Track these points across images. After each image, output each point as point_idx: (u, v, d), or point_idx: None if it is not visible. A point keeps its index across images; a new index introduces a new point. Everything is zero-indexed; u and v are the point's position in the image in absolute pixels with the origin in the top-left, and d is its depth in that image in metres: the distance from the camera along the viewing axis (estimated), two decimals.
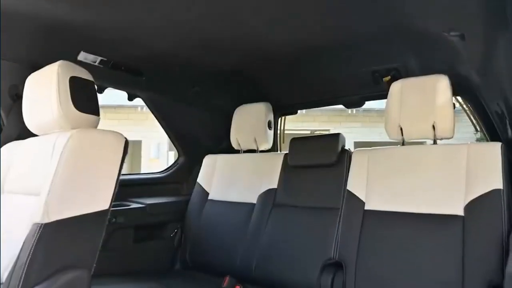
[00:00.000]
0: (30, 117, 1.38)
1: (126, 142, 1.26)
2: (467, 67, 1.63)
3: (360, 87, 2.06)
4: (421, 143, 1.76)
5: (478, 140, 5.01)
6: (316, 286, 1.58)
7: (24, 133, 1.47)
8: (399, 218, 1.51)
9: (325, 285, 1.57)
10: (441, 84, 1.53)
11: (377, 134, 8.94)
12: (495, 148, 1.43)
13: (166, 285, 1.83)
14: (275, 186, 1.97)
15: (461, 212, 1.40)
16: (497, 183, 1.38)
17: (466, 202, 1.40)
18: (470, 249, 1.33)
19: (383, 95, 1.77)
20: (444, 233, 1.40)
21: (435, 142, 1.59)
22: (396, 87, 1.63)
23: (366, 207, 1.61)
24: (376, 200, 1.60)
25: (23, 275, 1.03)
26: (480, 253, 1.31)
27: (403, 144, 1.67)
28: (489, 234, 1.32)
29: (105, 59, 1.70)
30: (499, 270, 1.25)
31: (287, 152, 2.01)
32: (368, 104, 2.25)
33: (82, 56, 1.63)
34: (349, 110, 9.70)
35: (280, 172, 1.99)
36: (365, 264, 1.50)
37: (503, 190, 1.36)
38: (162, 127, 2.43)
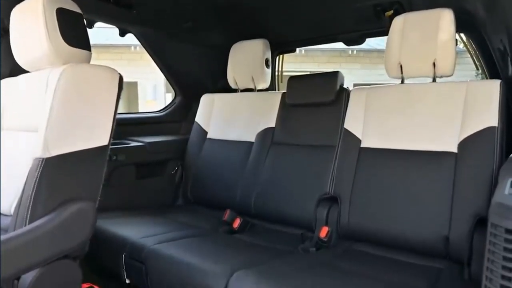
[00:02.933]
0: (20, 53, 1.34)
1: (121, 78, 1.24)
2: (473, 1, 1.56)
3: (361, 22, 1.99)
4: None
5: None
6: (312, 219, 1.66)
7: (16, 70, 1.43)
8: (393, 155, 1.54)
9: (321, 218, 1.64)
10: (445, 18, 1.48)
11: (377, 75, 8.81)
12: (494, 85, 1.42)
13: (169, 218, 1.92)
14: (273, 125, 1.98)
15: (454, 149, 1.42)
16: (493, 120, 1.38)
17: (461, 139, 1.42)
18: (460, 185, 1.37)
19: (385, 32, 1.71)
20: (437, 169, 1.43)
21: (434, 80, 1.57)
22: (398, 22, 1.57)
23: (362, 145, 1.63)
24: (372, 138, 1.62)
25: (30, 207, 1.07)
26: (470, 188, 1.35)
27: (402, 82, 1.65)
28: (480, 170, 1.35)
29: None
30: (486, 203, 1.30)
31: (285, 91, 1.99)
32: (369, 44, 2.19)
33: None
34: (349, 51, 9.46)
35: (278, 111, 1.99)
36: (359, 199, 1.56)
37: (497, 127, 1.37)
38: (157, 65, 2.38)
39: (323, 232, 1.57)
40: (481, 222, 1.28)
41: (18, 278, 1.05)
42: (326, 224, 1.62)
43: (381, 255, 1.46)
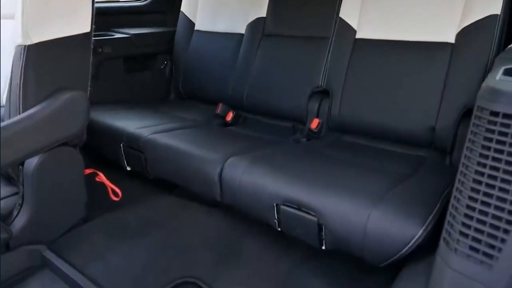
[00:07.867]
0: None
1: None
2: None
3: None
4: None
5: None
6: (303, 112, 1.69)
7: None
8: (389, 46, 1.50)
9: (312, 110, 1.67)
10: None
11: None
12: None
13: (162, 111, 1.94)
14: (264, 15, 1.87)
15: (452, 40, 1.39)
16: (496, 8, 1.32)
17: (460, 29, 1.37)
18: (452, 76, 1.36)
19: None
20: (431, 61, 1.41)
21: None
22: None
23: (358, 36, 1.58)
24: (368, 28, 1.56)
25: (21, 96, 1.06)
26: (462, 79, 1.35)
27: None
28: (475, 60, 1.33)
29: None
30: (476, 94, 1.31)
31: None
32: None
33: None
34: None
35: None
36: (350, 91, 1.57)
37: (499, 16, 1.31)
38: None
39: (314, 123, 1.61)
40: (468, 113, 1.31)
41: (22, 164, 1.09)
42: (317, 116, 1.66)
43: (369, 145, 1.53)
